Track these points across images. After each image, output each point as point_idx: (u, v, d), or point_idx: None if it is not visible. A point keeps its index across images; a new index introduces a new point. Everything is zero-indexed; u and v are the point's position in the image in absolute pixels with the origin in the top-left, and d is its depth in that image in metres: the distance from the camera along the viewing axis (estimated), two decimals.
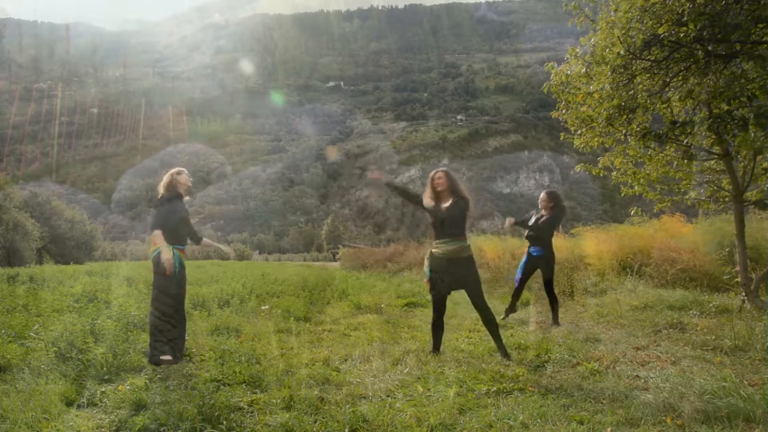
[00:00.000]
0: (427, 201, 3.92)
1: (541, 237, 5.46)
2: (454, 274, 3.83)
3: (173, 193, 3.95)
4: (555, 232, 5.97)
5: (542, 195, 5.60)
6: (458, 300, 7.23)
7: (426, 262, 3.99)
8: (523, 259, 5.68)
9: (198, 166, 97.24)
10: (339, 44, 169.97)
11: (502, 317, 5.60)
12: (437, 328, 4.03)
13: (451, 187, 3.87)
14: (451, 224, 3.79)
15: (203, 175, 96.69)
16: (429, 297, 7.66)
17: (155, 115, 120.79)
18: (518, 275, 5.69)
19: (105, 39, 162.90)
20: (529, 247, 5.61)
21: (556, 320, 5.37)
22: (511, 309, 5.77)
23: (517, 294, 5.73)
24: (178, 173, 4.02)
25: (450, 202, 3.82)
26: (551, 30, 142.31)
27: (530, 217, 5.68)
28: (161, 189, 3.98)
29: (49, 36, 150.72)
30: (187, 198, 4.10)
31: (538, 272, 5.66)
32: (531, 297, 7.05)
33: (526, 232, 5.64)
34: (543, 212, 5.56)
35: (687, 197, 6.00)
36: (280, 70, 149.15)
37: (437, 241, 3.86)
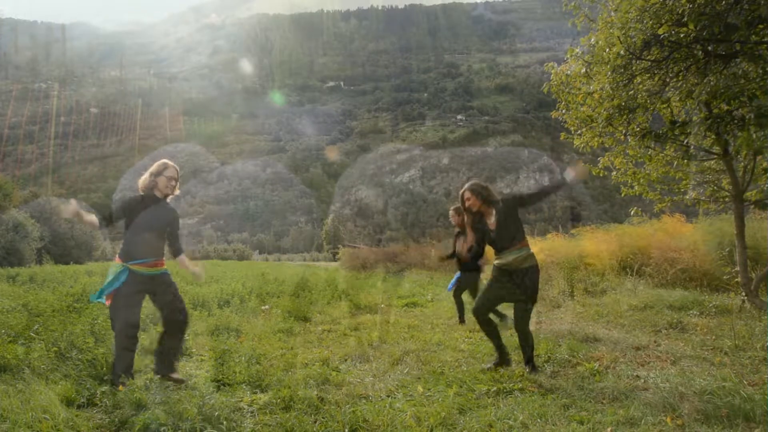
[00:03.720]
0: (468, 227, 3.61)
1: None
2: (518, 284, 3.45)
3: (149, 195, 3.31)
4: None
5: (451, 211, 5.51)
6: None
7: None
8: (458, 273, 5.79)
9: (198, 166, 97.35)
10: (338, 44, 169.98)
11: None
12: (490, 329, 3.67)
13: (486, 200, 3.50)
14: (504, 235, 3.45)
15: (204, 175, 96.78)
16: (429, 297, 7.67)
17: (153, 116, 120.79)
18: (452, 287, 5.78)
19: (101, 40, 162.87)
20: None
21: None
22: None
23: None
24: (158, 173, 3.32)
25: (494, 215, 3.47)
26: (551, 30, 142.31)
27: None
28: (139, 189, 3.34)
29: (48, 36, 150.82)
30: (173, 195, 3.42)
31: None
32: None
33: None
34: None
35: (687, 197, 6.00)
36: (280, 70, 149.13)
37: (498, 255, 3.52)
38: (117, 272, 3.16)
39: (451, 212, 5.55)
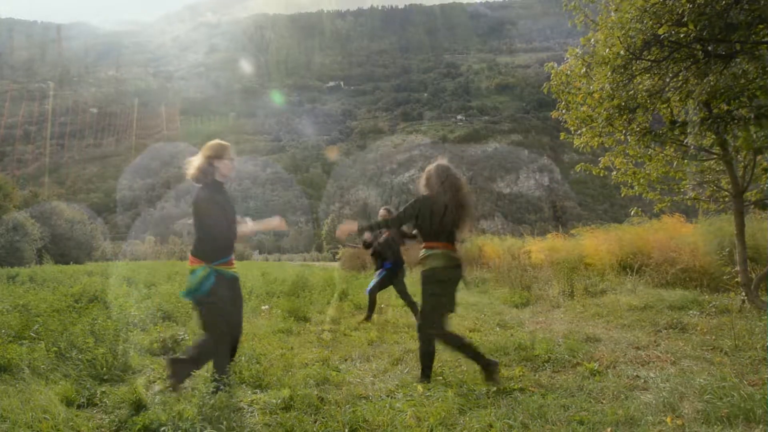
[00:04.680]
0: None
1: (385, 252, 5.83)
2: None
3: (212, 183, 2.90)
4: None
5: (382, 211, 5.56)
6: (458, 301, 7.22)
7: None
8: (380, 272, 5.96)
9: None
10: (338, 44, 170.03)
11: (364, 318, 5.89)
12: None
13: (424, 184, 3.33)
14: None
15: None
16: None
17: (151, 115, 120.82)
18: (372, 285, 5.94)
19: (98, 40, 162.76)
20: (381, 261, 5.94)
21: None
22: (369, 317, 5.91)
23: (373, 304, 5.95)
24: (219, 157, 2.91)
25: None
26: (550, 30, 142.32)
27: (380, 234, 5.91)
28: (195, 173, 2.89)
29: (45, 36, 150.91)
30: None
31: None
32: (531, 297, 7.05)
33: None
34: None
35: (687, 197, 6.00)
36: (279, 70, 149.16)
37: None
38: (204, 277, 2.78)
39: (382, 212, 5.53)
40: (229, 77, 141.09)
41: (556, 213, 79.39)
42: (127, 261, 28.42)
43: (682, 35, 4.40)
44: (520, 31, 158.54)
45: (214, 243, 2.84)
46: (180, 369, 2.89)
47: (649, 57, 4.76)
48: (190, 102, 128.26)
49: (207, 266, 2.81)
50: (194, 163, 2.90)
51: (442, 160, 3.33)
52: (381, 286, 5.93)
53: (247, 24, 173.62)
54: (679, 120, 5.21)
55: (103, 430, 2.50)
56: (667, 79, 4.91)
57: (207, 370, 3.51)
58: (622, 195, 6.38)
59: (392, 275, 5.89)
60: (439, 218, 3.17)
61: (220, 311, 2.80)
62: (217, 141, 2.99)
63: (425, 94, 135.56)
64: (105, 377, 3.26)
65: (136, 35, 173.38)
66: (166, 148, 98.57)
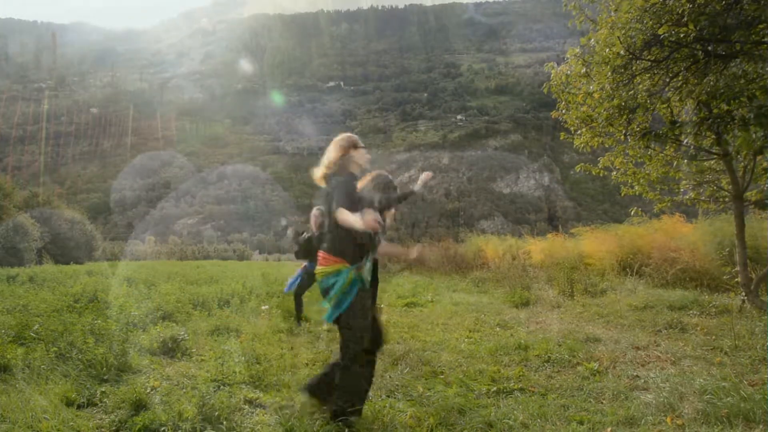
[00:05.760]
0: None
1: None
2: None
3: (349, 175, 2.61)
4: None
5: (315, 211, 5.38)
6: (458, 301, 7.24)
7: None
8: (298, 272, 5.71)
9: (197, 167, 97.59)
10: (339, 44, 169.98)
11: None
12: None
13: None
14: None
15: (203, 175, 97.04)
16: (429, 297, 7.64)
17: (150, 118, 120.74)
18: (292, 287, 5.71)
19: (95, 45, 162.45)
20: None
21: None
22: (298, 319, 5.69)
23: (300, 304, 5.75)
24: (354, 146, 2.64)
25: None
26: (550, 30, 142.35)
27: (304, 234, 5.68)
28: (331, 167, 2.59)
29: (45, 38, 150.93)
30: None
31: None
32: (530, 297, 7.05)
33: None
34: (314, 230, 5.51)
35: (687, 197, 6.00)
36: (278, 70, 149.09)
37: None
38: (350, 281, 2.43)
39: (315, 212, 5.27)
40: (224, 83, 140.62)
41: (555, 213, 79.46)
42: (127, 261, 28.42)
43: (682, 35, 4.40)
44: (520, 31, 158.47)
45: (354, 242, 2.44)
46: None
47: (649, 57, 4.76)
48: (186, 107, 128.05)
49: (350, 268, 2.44)
50: (325, 160, 2.61)
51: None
52: (302, 287, 5.72)
53: (244, 26, 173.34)
54: (679, 120, 5.21)
55: (103, 430, 2.50)
56: (667, 79, 4.92)
57: (207, 370, 3.51)
58: (622, 195, 6.38)
59: (311, 276, 5.54)
60: None
61: (362, 326, 2.42)
62: (346, 134, 2.73)
63: (425, 94, 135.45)
64: (105, 377, 3.25)
65: (132, 42, 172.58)
66: (159, 156, 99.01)
